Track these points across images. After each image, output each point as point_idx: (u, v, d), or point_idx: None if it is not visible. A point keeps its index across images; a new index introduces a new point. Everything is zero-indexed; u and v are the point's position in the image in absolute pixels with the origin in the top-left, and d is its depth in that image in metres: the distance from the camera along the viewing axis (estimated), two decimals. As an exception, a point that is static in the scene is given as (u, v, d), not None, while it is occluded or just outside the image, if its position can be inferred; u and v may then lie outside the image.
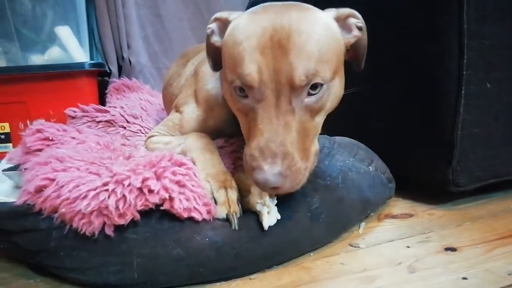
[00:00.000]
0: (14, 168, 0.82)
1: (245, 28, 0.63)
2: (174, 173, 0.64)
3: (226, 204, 0.65)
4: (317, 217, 0.73)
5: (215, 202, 0.66)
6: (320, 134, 0.70)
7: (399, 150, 1.00)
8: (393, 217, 0.92)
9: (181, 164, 0.68)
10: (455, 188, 0.91)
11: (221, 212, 0.65)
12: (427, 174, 0.96)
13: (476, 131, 0.89)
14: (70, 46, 1.46)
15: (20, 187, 0.80)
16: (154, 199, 0.60)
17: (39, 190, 0.63)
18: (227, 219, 0.65)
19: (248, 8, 2.01)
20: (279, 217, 0.66)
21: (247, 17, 0.66)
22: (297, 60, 0.59)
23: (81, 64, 1.45)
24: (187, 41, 1.92)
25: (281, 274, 0.68)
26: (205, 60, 0.94)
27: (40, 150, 0.78)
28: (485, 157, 0.91)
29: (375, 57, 0.80)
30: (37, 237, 0.63)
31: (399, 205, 0.98)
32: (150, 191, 0.60)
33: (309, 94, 0.61)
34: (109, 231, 0.59)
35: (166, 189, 0.61)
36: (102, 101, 1.63)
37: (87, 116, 1.21)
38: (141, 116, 1.30)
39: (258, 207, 0.65)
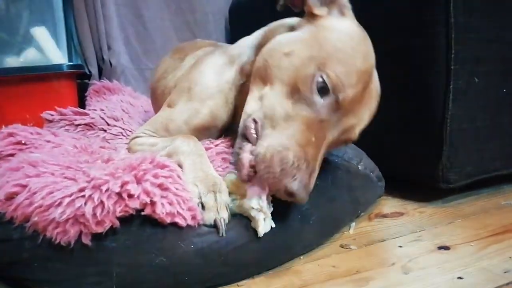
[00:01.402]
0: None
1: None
2: (156, 176, 0.60)
3: (214, 209, 0.61)
4: (307, 219, 0.70)
5: (202, 207, 0.62)
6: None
7: (388, 148, 0.99)
8: (384, 216, 0.90)
9: (163, 166, 0.64)
10: (446, 185, 0.90)
11: (208, 218, 0.61)
12: (417, 171, 0.94)
13: (465, 126, 0.87)
14: (47, 48, 1.41)
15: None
16: (134, 204, 0.56)
17: (10, 197, 0.59)
18: (215, 225, 0.61)
19: (232, 8, 1.98)
20: (273, 225, 0.63)
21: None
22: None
23: (59, 66, 1.40)
24: (170, 42, 1.88)
25: (271, 280, 0.64)
26: (209, 53, 0.91)
27: (12, 155, 0.73)
28: (474, 152, 0.90)
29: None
30: (8, 248, 0.59)
31: (389, 204, 0.96)
32: (130, 196, 0.56)
33: None
34: (86, 240, 0.55)
35: (147, 193, 0.57)
36: (82, 104, 1.58)
37: (65, 120, 1.16)
38: (122, 119, 1.25)
39: (254, 213, 0.62)
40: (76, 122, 1.15)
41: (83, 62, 1.62)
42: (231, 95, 0.83)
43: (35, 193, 0.56)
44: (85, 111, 1.21)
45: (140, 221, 0.59)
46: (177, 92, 0.89)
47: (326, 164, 0.83)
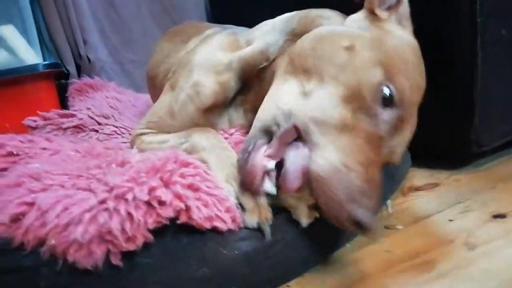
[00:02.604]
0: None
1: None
2: (183, 176, 0.52)
3: (256, 210, 0.53)
4: None
5: (242, 209, 0.54)
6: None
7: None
8: (418, 189, 0.83)
9: (187, 164, 0.55)
10: (478, 148, 0.84)
11: (251, 221, 0.53)
12: (446, 137, 0.88)
13: (496, 83, 0.81)
14: (18, 47, 1.27)
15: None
16: (168, 212, 0.47)
17: (16, 219, 0.49)
18: (258, 228, 0.53)
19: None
20: (317, 214, 0.55)
21: None
22: None
23: (34, 67, 1.27)
24: (149, 31, 1.75)
25: (324, 275, 0.57)
26: (217, 32, 0.82)
27: (5, 169, 0.63)
28: (507, 109, 0.84)
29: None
30: (21, 279, 0.49)
31: (418, 175, 0.90)
32: (161, 203, 0.48)
33: None
34: (115, 260, 0.47)
35: (179, 198, 0.49)
36: (63, 106, 1.46)
37: (51, 124, 1.05)
38: (113, 116, 1.15)
39: (294, 202, 0.54)
40: (64, 126, 1.05)
41: (59, 60, 1.49)
42: (238, 76, 0.74)
43: (46, 211, 0.47)
44: (71, 112, 1.10)
45: (174, 230, 0.50)
46: (179, 71, 0.79)
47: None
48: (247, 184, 0.53)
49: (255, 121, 0.57)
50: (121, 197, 0.47)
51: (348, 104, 0.51)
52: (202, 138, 0.64)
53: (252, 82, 0.73)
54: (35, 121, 1.04)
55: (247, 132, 0.63)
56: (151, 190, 0.48)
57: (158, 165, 0.52)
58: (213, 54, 0.75)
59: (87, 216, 0.46)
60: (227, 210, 0.51)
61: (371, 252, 0.62)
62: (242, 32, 0.80)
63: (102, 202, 0.47)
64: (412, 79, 0.53)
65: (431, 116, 0.88)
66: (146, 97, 1.33)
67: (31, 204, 0.49)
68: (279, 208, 0.57)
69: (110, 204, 0.46)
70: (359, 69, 0.52)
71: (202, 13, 1.87)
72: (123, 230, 0.45)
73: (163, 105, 0.78)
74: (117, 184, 0.48)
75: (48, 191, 0.50)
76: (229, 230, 0.51)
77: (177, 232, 0.50)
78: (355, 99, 0.51)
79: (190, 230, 0.51)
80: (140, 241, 0.46)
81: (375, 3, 0.59)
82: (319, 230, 0.58)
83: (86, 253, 0.46)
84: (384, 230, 0.68)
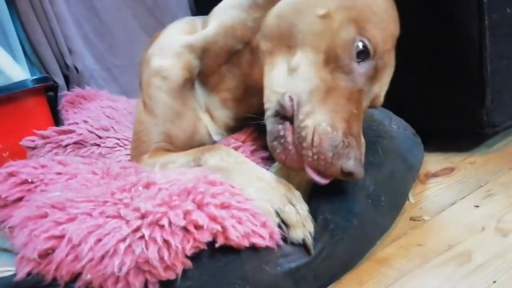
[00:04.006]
0: (-8, 228, 0.64)
1: None
2: (214, 196, 0.49)
3: (300, 224, 0.51)
4: (378, 201, 0.62)
5: (284, 224, 0.51)
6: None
7: (423, 100, 0.91)
8: (435, 175, 0.83)
9: (214, 183, 0.53)
10: (491, 129, 0.84)
11: (296, 236, 0.51)
12: (458, 120, 0.87)
13: (505, 62, 0.81)
14: (3, 64, 1.22)
15: (4, 250, 0.63)
16: (205, 236, 0.45)
17: (46, 254, 0.47)
18: (304, 243, 0.51)
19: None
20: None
21: None
22: None
23: (23, 83, 1.21)
24: (133, 33, 1.69)
25: (360, 278, 0.56)
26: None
27: (20, 198, 0.60)
28: (517, 88, 0.84)
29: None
30: (55, 316, 0.47)
31: (432, 161, 0.90)
32: (198, 227, 0.45)
33: None
34: (154, 288, 0.45)
35: (214, 219, 0.46)
36: (55, 119, 1.41)
37: (50, 143, 1.02)
38: (112, 127, 1.11)
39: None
40: (64, 143, 1.01)
41: (44, 72, 1.44)
42: (199, 57, 0.73)
43: (78, 244, 0.45)
44: (70, 128, 1.06)
45: (210, 250, 0.48)
46: (142, 69, 0.80)
47: (369, 134, 0.75)
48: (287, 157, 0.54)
49: (266, 113, 0.59)
50: (155, 224, 0.45)
51: (327, 68, 0.55)
52: (215, 159, 0.60)
53: (226, 67, 0.71)
54: (33, 140, 1.00)
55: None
56: (186, 214, 0.46)
57: (190, 186, 0.50)
58: (169, 39, 0.75)
59: (122, 246, 0.44)
60: (263, 225, 0.49)
61: (401, 247, 0.61)
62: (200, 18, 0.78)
63: (136, 230, 0.45)
64: (384, 28, 0.56)
65: (442, 98, 0.88)
66: (140, 103, 1.29)
67: (59, 237, 0.47)
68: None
69: (145, 231, 0.44)
70: (335, 33, 0.54)
71: (187, 9, 1.82)
72: (161, 259, 0.43)
73: (140, 108, 0.77)
74: (149, 210, 0.46)
75: (76, 222, 0.48)
76: (269, 247, 0.49)
77: (213, 252, 0.48)
78: (333, 60, 0.55)
79: (227, 249, 0.48)
80: (179, 268, 0.44)
81: None
82: (354, 232, 0.57)
83: (124, 285, 0.44)
84: (411, 222, 0.67)
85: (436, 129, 0.93)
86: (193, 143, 0.75)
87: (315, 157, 0.51)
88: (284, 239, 0.51)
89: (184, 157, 0.65)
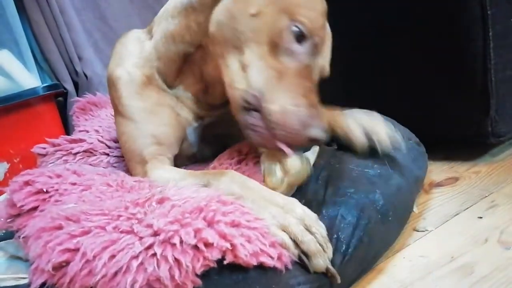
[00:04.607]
0: (6, 236, 0.66)
1: None
2: (224, 214, 0.50)
3: (321, 253, 0.50)
4: (386, 217, 0.62)
5: (304, 255, 0.51)
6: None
7: (428, 110, 0.91)
8: (439, 185, 0.84)
9: (226, 203, 0.53)
10: (495, 139, 0.84)
11: (319, 266, 0.50)
12: (462, 130, 0.88)
13: (510, 73, 0.81)
14: (15, 72, 1.25)
15: (18, 257, 0.65)
16: (215, 254, 0.46)
17: (60, 266, 0.48)
18: (326, 272, 0.51)
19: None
20: None
21: None
22: None
23: (34, 90, 1.25)
24: (142, 39, 1.72)
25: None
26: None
27: (35, 208, 0.61)
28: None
29: (390, 5, 0.73)
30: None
31: (436, 170, 0.90)
32: (207, 245, 0.46)
33: None
34: (165, 305, 0.46)
35: (224, 237, 0.47)
36: (64, 124, 1.44)
37: (61, 150, 1.04)
38: (121, 136, 1.13)
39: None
40: (74, 151, 1.03)
41: (55, 80, 1.47)
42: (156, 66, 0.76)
43: (93, 259, 0.46)
44: (80, 137, 1.08)
45: (220, 268, 0.49)
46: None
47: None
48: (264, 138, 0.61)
49: (232, 106, 0.65)
50: (167, 242, 0.46)
51: (273, 56, 0.61)
52: (221, 183, 0.60)
53: (184, 67, 0.75)
54: (44, 148, 1.02)
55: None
56: (197, 232, 0.47)
57: (203, 204, 0.51)
58: (124, 54, 0.79)
59: (135, 264, 0.45)
60: (272, 245, 0.49)
61: (405, 258, 0.62)
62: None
63: (149, 247, 0.46)
64: (312, 8, 0.62)
65: (447, 108, 0.89)
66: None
67: (74, 251, 0.48)
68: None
69: (157, 250, 0.45)
70: (270, 26, 0.61)
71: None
72: (172, 277, 0.44)
73: (118, 123, 0.80)
74: (161, 228, 0.47)
75: (90, 235, 0.49)
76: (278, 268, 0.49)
77: (222, 269, 0.48)
78: (276, 49, 0.61)
79: (236, 266, 0.49)
80: (189, 287, 0.45)
81: None
82: (363, 250, 0.58)
83: (134, 300, 0.45)
84: (415, 233, 0.68)
85: (441, 138, 0.93)
86: (180, 136, 0.78)
87: (286, 134, 0.58)
88: (305, 268, 0.51)
89: (193, 179, 0.65)
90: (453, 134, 0.91)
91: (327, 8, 0.65)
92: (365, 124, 0.71)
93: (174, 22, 0.72)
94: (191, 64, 0.74)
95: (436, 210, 0.74)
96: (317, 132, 0.58)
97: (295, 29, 0.60)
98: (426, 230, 0.68)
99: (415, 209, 0.75)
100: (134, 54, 0.77)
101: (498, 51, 0.78)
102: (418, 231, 0.69)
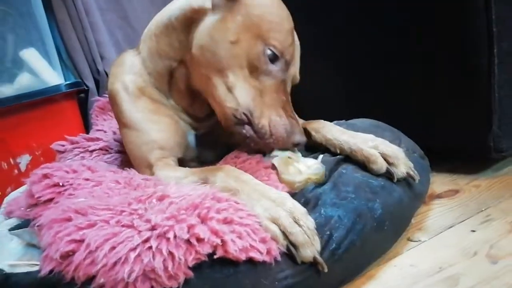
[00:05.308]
0: (22, 224, 0.71)
1: None
2: (218, 211, 0.55)
3: (308, 243, 0.54)
4: (382, 226, 0.65)
5: (292, 245, 0.54)
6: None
7: (432, 123, 0.93)
8: (438, 196, 0.85)
9: (220, 199, 0.58)
10: (498, 154, 0.85)
11: (307, 256, 0.54)
12: (465, 144, 0.89)
13: (513, 90, 0.82)
14: (40, 70, 1.32)
15: (32, 245, 0.70)
16: (206, 249, 0.50)
17: (66, 255, 0.53)
18: (314, 262, 0.55)
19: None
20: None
21: None
22: None
23: (57, 87, 1.31)
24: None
25: (352, 293, 0.60)
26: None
27: (50, 200, 0.67)
28: (525, 115, 0.85)
29: (395, 19, 0.78)
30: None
31: (438, 181, 0.92)
32: (199, 240, 0.51)
33: None
34: (159, 295, 0.50)
35: (215, 233, 0.52)
36: (85, 122, 1.50)
37: (78, 147, 1.10)
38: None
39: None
40: (91, 148, 1.09)
41: (78, 77, 1.53)
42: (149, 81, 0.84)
43: (95, 250, 0.51)
44: (97, 136, 1.14)
45: (211, 261, 0.53)
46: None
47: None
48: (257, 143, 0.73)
49: (224, 122, 0.75)
50: (163, 236, 0.51)
51: (254, 77, 0.71)
52: (219, 179, 0.64)
53: (171, 80, 0.83)
54: (63, 145, 1.08)
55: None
56: (190, 227, 0.51)
57: (197, 202, 0.55)
58: (120, 72, 0.86)
59: (132, 255, 0.49)
60: (262, 240, 0.54)
61: (395, 266, 0.65)
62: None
63: (146, 241, 0.50)
64: (281, 31, 0.71)
65: (450, 122, 0.90)
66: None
67: (79, 241, 0.53)
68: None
69: (153, 243, 0.50)
70: (248, 51, 0.70)
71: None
72: (165, 269, 0.49)
73: (123, 134, 0.86)
74: (158, 223, 0.52)
75: (95, 228, 0.54)
76: (268, 263, 0.53)
77: (213, 263, 0.53)
78: (255, 70, 0.71)
79: (226, 261, 0.53)
80: (181, 278, 0.49)
81: None
82: (354, 254, 0.60)
83: (132, 290, 0.50)
84: (408, 243, 0.70)
85: (444, 151, 0.95)
86: (181, 141, 0.84)
87: (276, 141, 0.71)
88: (293, 260, 0.55)
89: (194, 176, 0.70)
90: (456, 148, 0.92)
91: (293, 24, 0.75)
92: (386, 154, 0.71)
93: (157, 40, 0.80)
94: (176, 79, 0.81)
95: (432, 221, 0.76)
96: (299, 137, 0.72)
97: (268, 52, 0.70)
98: (419, 240, 0.70)
99: (412, 219, 0.77)
100: (127, 70, 0.85)
101: (503, 68, 0.79)
102: (412, 241, 0.71)
